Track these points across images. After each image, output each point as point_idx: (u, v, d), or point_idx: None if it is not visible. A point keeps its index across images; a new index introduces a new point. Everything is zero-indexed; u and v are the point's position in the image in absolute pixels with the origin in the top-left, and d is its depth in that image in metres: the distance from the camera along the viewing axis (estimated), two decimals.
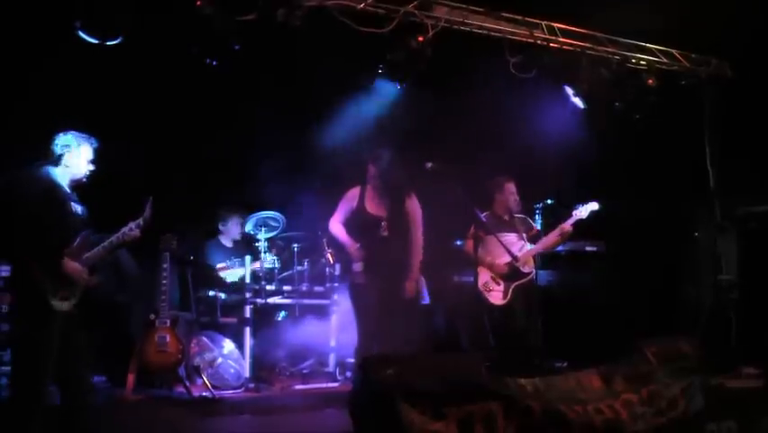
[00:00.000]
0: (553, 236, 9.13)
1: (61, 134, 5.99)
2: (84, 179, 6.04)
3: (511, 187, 9.21)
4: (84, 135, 6.03)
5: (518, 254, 8.86)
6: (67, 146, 5.95)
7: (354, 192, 8.17)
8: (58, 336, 5.72)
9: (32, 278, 5.69)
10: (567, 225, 9.01)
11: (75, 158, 5.96)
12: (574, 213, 8.98)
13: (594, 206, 8.97)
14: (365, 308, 7.98)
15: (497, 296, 9.00)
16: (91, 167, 6.04)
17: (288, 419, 7.70)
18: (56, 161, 5.93)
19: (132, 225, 6.14)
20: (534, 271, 9.13)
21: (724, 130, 10.15)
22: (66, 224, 5.89)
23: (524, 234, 9.19)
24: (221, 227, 10.14)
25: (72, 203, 5.98)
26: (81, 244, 5.94)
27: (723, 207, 10.15)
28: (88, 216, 6.11)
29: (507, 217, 9.23)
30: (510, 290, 8.98)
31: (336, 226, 8.17)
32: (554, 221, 9.46)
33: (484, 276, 8.99)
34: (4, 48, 8.18)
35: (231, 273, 9.73)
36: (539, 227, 9.57)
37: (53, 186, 5.89)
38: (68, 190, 5.99)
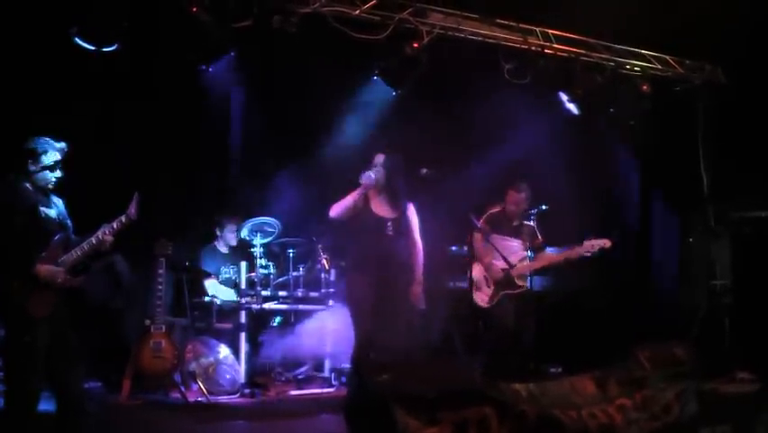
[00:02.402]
0: (555, 258, 9.11)
1: (30, 140, 5.94)
2: (51, 185, 5.96)
3: (513, 196, 9.10)
4: (51, 141, 5.95)
5: (515, 263, 8.76)
6: (33, 152, 5.89)
7: (356, 191, 7.86)
8: (44, 342, 5.72)
9: (7, 286, 5.71)
10: (573, 254, 8.97)
11: (39, 164, 5.89)
12: (585, 244, 8.85)
13: (606, 243, 8.87)
14: (362, 309, 7.83)
15: (482, 297, 8.98)
16: (58, 173, 5.97)
17: (284, 425, 7.72)
18: (22, 167, 5.91)
19: (106, 229, 6.03)
20: (526, 284, 9.08)
21: (717, 135, 10.19)
22: (34, 230, 5.86)
23: (527, 244, 9.17)
24: (218, 233, 10.12)
25: (43, 208, 5.92)
26: (55, 248, 5.91)
27: (716, 212, 10.19)
28: (65, 219, 6.06)
29: (515, 223, 9.19)
30: (497, 297, 8.96)
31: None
32: (548, 227, 9.49)
33: (477, 273, 8.98)
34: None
35: (221, 290, 9.70)
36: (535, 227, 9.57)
37: (18, 193, 5.86)
38: (38, 195, 5.93)
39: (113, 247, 6.15)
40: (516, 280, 8.95)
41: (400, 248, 7.92)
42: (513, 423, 4.14)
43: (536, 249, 9.16)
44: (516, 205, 9.11)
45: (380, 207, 7.90)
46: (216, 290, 9.56)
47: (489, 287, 9.01)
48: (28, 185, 5.89)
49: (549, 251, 9.25)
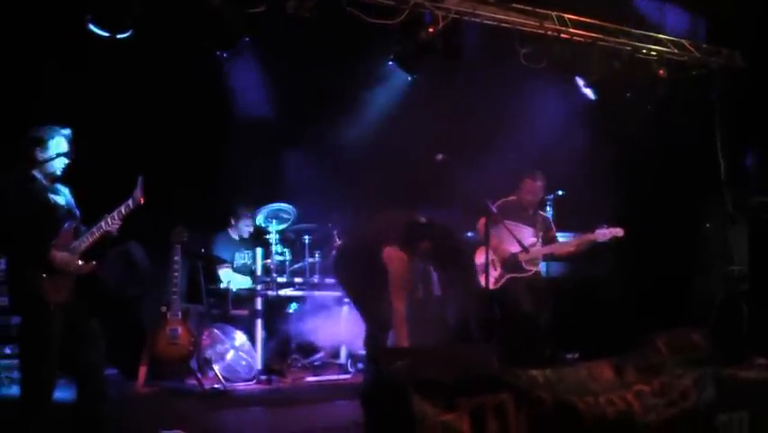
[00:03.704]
0: (567, 246, 9.09)
1: (36, 128, 5.94)
2: (59, 172, 5.96)
3: (529, 184, 9.06)
4: (57, 128, 5.95)
5: (529, 247, 8.71)
6: (40, 140, 5.88)
7: (403, 257, 7.64)
8: (59, 329, 5.73)
9: (22, 274, 5.72)
10: (585, 241, 8.95)
11: (47, 151, 5.88)
12: (597, 232, 8.87)
13: (619, 232, 8.87)
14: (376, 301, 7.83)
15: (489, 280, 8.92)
16: (65, 160, 5.94)
17: (300, 411, 7.72)
18: (28, 156, 5.89)
19: (114, 214, 6.02)
20: (536, 269, 9.07)
21: (735, 120, 10.12)
22: (45, 218, 5.86)
23: (540, 233, 9.12)
24: (232, 222, 10.12)
25: (51, 195, 5.93)
26: (67, 234, 5.90)
27: (734, 197, 10.13)
28: (73, 207, 6.05)
29: (530, 211, 9.14)
30: (503, 279, 8.94)
31: (403, 321, 7.51)
32: (565, 213, 9.46)
33: (484, 258, 8.92)
34: (13, 41, 8.21)
35: (234, 278, 9.71)
36: (551, 218, 9.51)
37: (27, 183, 5.85)
38: (46, 183, 5.93)
39: (121, 233, 6.13)
40: (524, 265, 8.92)
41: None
42: (530, 409, 4.12)
43: (548, 241, 9.13)
44: (533, 194, 9.07)
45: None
46: (231, 278, 9.56)
47: (495, 269, 8.96)
48: (36, 173, 5.89)
49: (561, 239, 9.23)
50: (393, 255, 7.58)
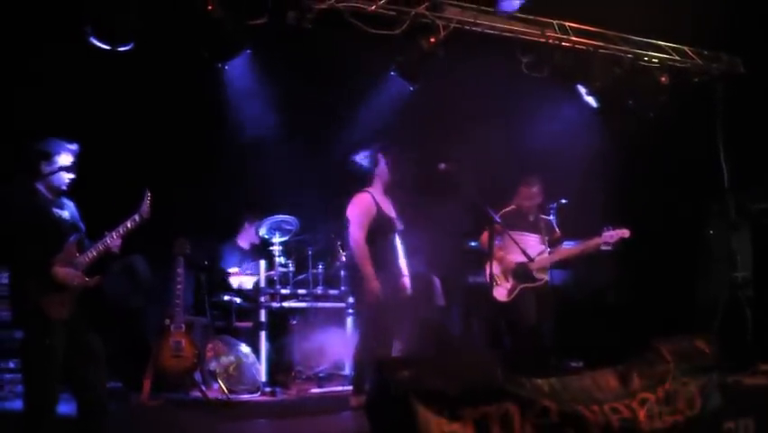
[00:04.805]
0: (573, 250, 9.07)
1: (42, 141, 5.93)
2: (64, 186, 5.94)
3: (525, 191, 9.05)
4: (61, 142, 5.94)
5: (535, 257, 8.67)
6: (46, 154, 5.87)
7: (366, 199, 7.84)
8: (62, 343, 5.72)
9: (25, 289, 5.71)
10: (592, 245, 8.92)
11: (53, 165, 5.87)
12: (604, 235, 8.85)
13: (625, 233, 8.85)
14: (383, 309, 7.79)
15: (501, 292, 8.87)
16: (71, 175, 5.93)
17: (305, 423, 7.70)
18: (33, 170, 5.88)
19: (119, 229, 6.03)
20: (546, 278, 9.01)
21: (737, 126, 10.11)
22: (49, 232, 5.84)
23: (546, 239, 9.09)
24: (246, 224, 10.17)
25: (55, 209, 5.92)
26: (70, 249, 5.89)
27: (737, 203, 10.11)
28: (77, 220, 6.07)
29: (531, 218, 9.10)
30: (516, 291, 8.88)
31: (364, 250, 7.64)
32: (568, 220, 9.44)
33: (494, 269, 8.88)
34: (15, 54, 8.22)
35: (244, 280, 9.71)
36: (553, 221, 9.49)
37: (30, 196, 5.84)
38: (50, 197, 5.92)
39: (124, 245, 6.13)
40: (535, 274, 8.89)
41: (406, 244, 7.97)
42: (535, 419, 4.11)
43: (554, 243, 9.10)
44: (530, 200, 9.05)
45: (387, 207, 7.88)
46: (240, 281, 9.58)
47: (507, 281, 8.94)
48: (40, 186, 5.88)
49: (567, 244, 9.21)
50: (358, 198, 7.83)
